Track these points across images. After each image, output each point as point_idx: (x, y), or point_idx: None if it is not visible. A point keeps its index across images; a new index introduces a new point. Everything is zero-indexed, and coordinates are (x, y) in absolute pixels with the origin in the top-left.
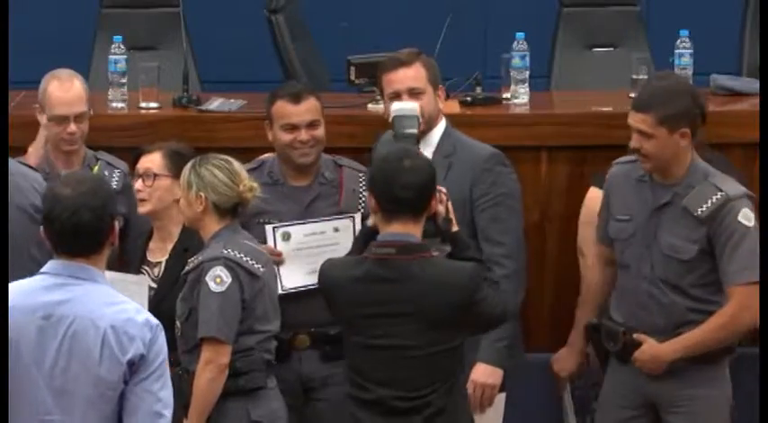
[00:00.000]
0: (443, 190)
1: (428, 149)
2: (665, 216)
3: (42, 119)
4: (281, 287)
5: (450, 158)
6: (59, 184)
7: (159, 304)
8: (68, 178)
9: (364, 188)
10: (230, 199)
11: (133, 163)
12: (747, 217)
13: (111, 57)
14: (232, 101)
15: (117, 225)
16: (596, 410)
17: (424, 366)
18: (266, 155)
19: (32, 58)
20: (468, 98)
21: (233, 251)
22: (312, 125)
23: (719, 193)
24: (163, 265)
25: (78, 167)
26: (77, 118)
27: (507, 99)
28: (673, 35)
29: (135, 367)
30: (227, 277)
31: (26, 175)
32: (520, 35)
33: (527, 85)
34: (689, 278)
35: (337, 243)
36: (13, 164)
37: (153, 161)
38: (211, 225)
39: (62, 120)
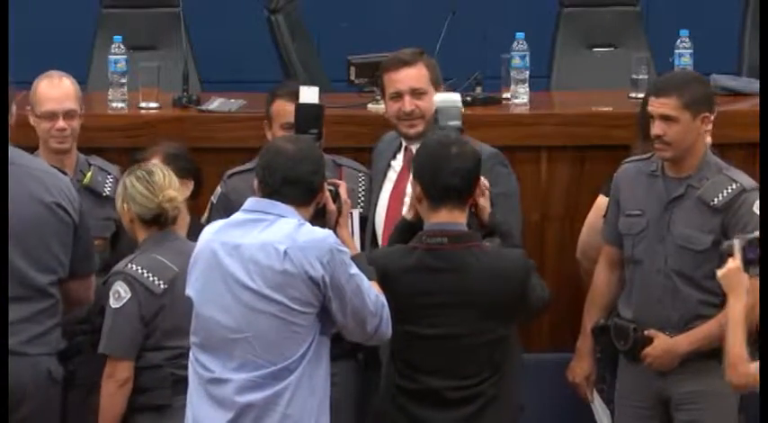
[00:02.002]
0: (486, 183)
1: None
2: (679, 208)
3: (32, 119)
4: None
5: None
6: (280, 140)
7: None
8: (288, 137)
9: (363, 188)
10: (150, 210)
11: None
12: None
13: (111, 57)
14: (232, 101)
15: (326, 189)
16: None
17: (477, 356)
18: None
19: (32, 58)
20: (468, 98)
21: (136, 266)
22: None
23: (735, 184)
24: None
25: (71, 172)
26: (66, 115)
27: (507, 99)
28: (673, 35)
29: (321, 287)
30: (125, 293)
31: (56, 175)
32: (520, 35)
33: (527, 85)
34: (702, 270)
35: None
36: (40, 162)
37: None
38: (140, 235)
39: (51, 115)
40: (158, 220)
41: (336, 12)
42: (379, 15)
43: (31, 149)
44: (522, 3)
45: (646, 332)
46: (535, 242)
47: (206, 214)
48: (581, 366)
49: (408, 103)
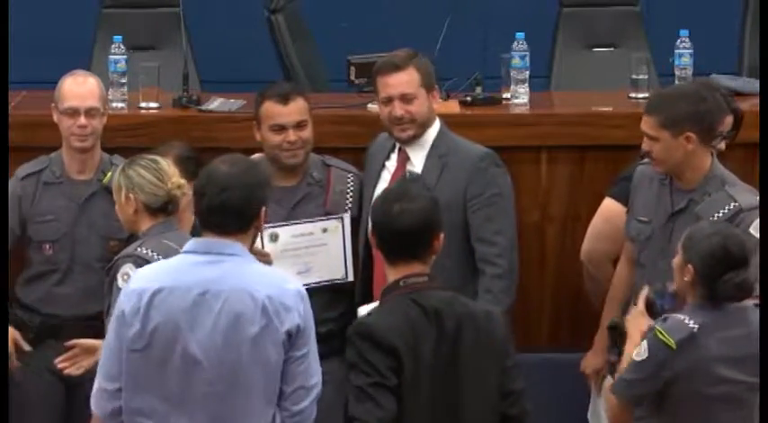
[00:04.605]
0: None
1: (422, 150)
2: (680, 221)
3: (56, 115)
4: None
5: (445, 159)
6: (217, 162)
7: None
8: (225, 158)
9: (352, 189)
10: (159, 198)
11: None
12: (759, 228)
13: (111, 57)
14: (232, 101)
15: (264, 211)
16: None
17: None
18: (256, 155)
19: (32, 58)
20: (468, 98)
21: (146, 249)
22: (300, 126)
23: (733, 204)
24: None
25: (92, 173)
26: (89, 112)
27: (507, 99)
28: (673, 35)
29: (293, 338)
30: (134, 274)
31: None
32: (520, 35)
33: (527, 85)
34: None
35: (325, 244)
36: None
37: None
38: (145, 225)
39: (73, 112)
40: (166, 208)
41: (336, 12)
42: (379, 15)
43: (46, 150)
44: (522, 3)
45: None
46: (535, 242)
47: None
48: (593, 360)
49: (398, 109)
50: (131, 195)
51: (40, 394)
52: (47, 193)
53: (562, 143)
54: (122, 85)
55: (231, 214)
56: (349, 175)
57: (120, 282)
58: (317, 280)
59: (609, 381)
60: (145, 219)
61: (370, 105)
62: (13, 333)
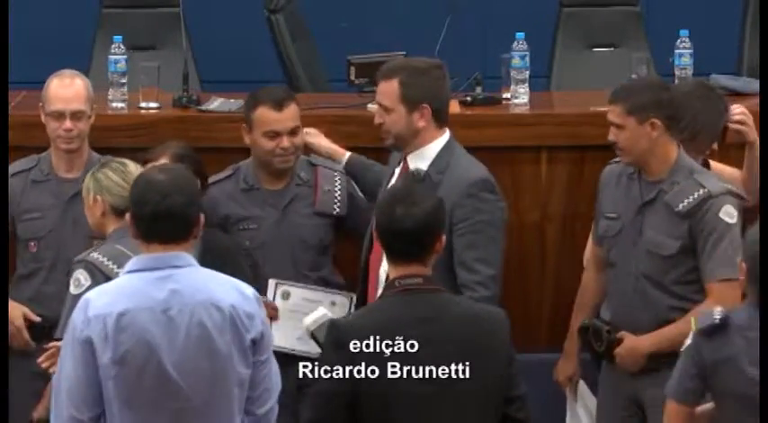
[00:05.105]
0: None
1: (423, 163)
2: (650, 213)
3: (43, 117)
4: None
5: (440, 176)
6: (151, 171)
7: None
8: (160, 167)
9: (340, 187)
10: (125, 199)
11: None
12: (729, 214)
13: (111, 57)
14: (232, 101)
15: (202, 218)
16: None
17: None
18: (243, 161)
19: (32, 58)
20: (468, 98)
21: (98, 254)
22: (293, 132)
23: (702, 190)
24: None
25: (80, 171)
26: (74, 115)
27: (507, 99)
28: (673, 35)
29: (257, 344)
30: (85, 280)
31: None
32: (520, 35)
33: (527, 85)
34: (671, 275)
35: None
36: None
37: None
38: (111, 227)
39: (59, 115)
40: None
41: (336, 12)
42: (379, 15)
43: (37, 150)
44: (522, 3)
45: (618, 334)
46: (535, 242)
47: None
48: (565, 366)
49: (377, 117)
50: (99, 197)
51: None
52: (34, 190)
53: (562, 143)
54: (122, 85)
55: (177, 220)
56: (336, 174)
57: (71, 288)
58: (309, 350)
59: (582, 385)
60: (111, 221)
61: (370, 105)
62: (19, 308)
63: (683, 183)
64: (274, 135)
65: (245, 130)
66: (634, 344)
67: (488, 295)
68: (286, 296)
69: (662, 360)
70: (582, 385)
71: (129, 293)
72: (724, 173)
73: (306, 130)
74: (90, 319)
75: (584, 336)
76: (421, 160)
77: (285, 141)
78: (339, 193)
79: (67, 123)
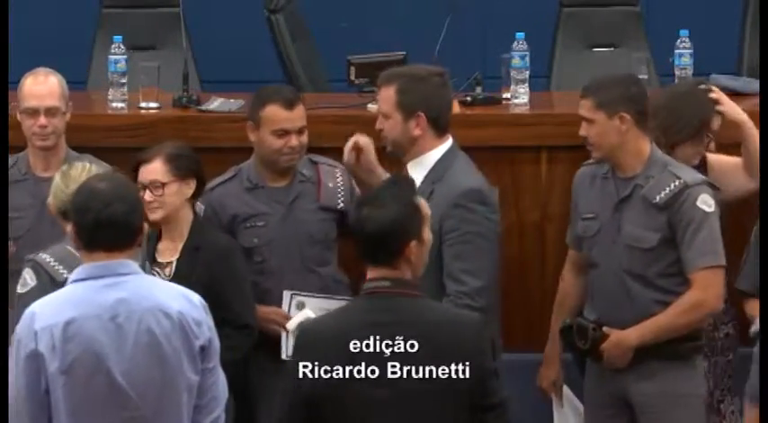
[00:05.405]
0: None
1: (421, 171)
2: (628, 208)
3: (18, 115)
4: (285, 354)
5: (435, 185)
6: (93, 180)
7: None
8: (102, 175)
9: (342, 183)
10: (64, 202)
11: (132, 172)
12: (707, 202)
13: (111, 57)
14: (232, 101)
15: (145, 227)
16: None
17: None
18: (244, 162)
19: (32, 58)
20: (468, 98)
21: (46, 255)
22: (300, 131)
23: (677, 181)
24: (174, 264)
25: (57, 170)
26: (48, 112)
27: (507, 99)
28: (673, 35)
29: (205, 352)
30: (30, 280)
31: None
32: (520, 35)
33: (527, 85)
34: (654, 268)
35: None
36: None
37: (156, 170)
38: (68, 227)
39: (33, 112)
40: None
41: (336, 12)
42: (379, 15)
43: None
44: (522, 3)
45: (603, 329)
46: (535, 242)
47: None
48: (548, 372)
49: (378, 122)
50: (51, 199)
51: None
52: (12, 190)
53: (562, 143)
54: (122, 85)
55: (121, 228)
56: (337, 170)
57: (18, 287)
58: None
59: (566, 390)
60: (63, 222)
61: (370, 105)
62: None
63: (658, 176)
64: (283, 133)
65: (250, 128)
66: (620, 338)
67: (475, 306)
68: (301, 306)
69: (648, 353)
70: (566, 390)
71: (76, 302)
72: (725, 163)
73: (361, 137)
74: (37, 332)
75: (568, 335)
76: (420, 168)
77: (294, 140)
78: (342, 188)
79: (42, 120)
